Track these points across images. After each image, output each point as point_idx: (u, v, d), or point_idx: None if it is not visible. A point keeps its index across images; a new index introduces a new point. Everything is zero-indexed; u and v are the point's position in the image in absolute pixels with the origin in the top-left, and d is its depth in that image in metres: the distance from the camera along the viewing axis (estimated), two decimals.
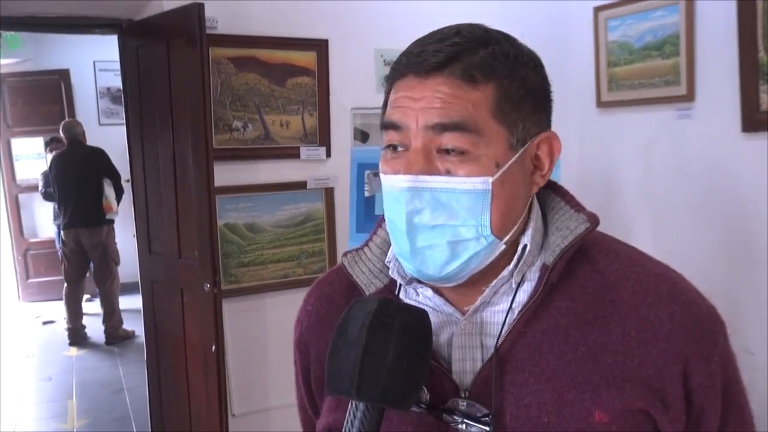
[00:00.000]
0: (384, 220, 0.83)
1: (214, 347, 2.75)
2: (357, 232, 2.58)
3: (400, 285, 0.85)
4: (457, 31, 0.75)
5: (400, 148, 0.76)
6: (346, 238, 2.91)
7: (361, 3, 3.19)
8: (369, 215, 2.58)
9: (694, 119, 2.97)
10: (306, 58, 3.08)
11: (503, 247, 0.76)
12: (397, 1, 3.23)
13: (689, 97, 2.95)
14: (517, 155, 0.75)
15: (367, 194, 2.59)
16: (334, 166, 3.16)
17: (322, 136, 3.15)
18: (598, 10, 3.33)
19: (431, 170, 0.73)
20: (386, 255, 0.86)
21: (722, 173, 2.88)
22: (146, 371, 3.38)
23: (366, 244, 0.90)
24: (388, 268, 0.84)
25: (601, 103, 3.39)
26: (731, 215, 2.87)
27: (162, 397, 3.29)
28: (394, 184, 0.75)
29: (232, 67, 2.94)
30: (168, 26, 2.82)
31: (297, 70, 3.07)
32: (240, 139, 2.98)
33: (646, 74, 3.13)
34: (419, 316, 0.72)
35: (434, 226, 0.74)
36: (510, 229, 0.77)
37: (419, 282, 0.82)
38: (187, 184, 2.83)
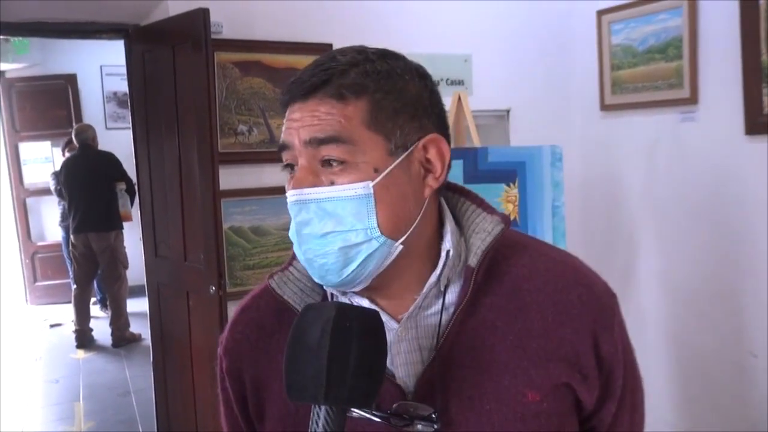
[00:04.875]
0: None
1: None
2: None
3: (333, 297, 0.88)
4: (333, 56, 0.82)
5: (295, 167, 0.81)
6: None
7: (365, 7, 3.20)
8: None
9: (697, 122, 2.97)
10: (310, 62, 3.10)
11: (400, 247, 0.80)
12: (400, 5, 3.24)
13: (693, 100, 2.95)
14: (399, 160, 0.80)
15: None
16: None
17: None
18: (601, 13, 3.34)
19: (317, 183, 0.79)
20: None
21: (726, 176, 2.88)
22: (152, 374, 3.40)
23: (290, 264, 0.91)
24: (320, 284, 0.86)
25: (604, 106, 3.40)
26: (735, 217, 2.87)
27: (168, 399, 3.31)
28: (287, 200, 0.81)
29: (237, 71, 2.96)
30: (174, 31, 2.84)
31: None
32: (245, 142, 3.00)
33: (650, 77, 3.13)
34: (374, 316, 0.75)
35: (323, 234, 0.79)
36: (404, 230, 0.81)
37: (354, 293, 0.85)
38: (192, 187, 2.85)
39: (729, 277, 2.91)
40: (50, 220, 6.83)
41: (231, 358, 0.95)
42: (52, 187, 6.02)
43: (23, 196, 6.81)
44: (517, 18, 3.45)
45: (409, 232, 0.81)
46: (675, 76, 3.01)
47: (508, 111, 3.46)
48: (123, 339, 5.51)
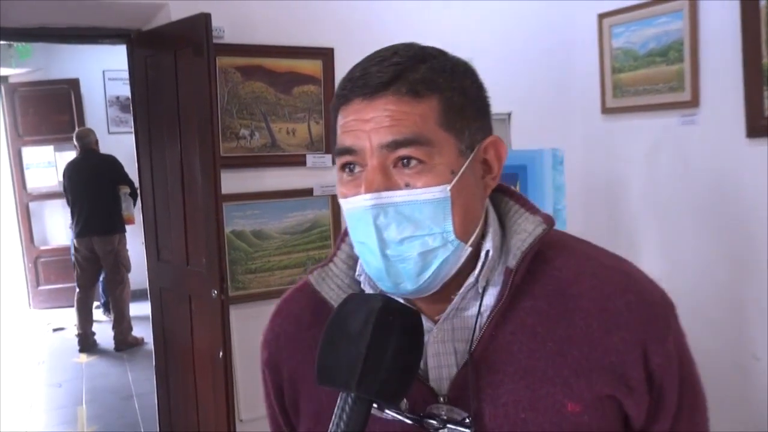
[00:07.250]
0: (346, 235, 0.86)
1: (221, 353, 2.77)
2: None
3: None
4: (395, 51, 0.78)
5: (357, 169, 0.78)
6: None
7: (366, 11, 3.21)
8: None
9: (698, 125, 2.98)
10: (312, 67, 3.11)
11: (469, 249, 0.79)
12: (401, 9, 3.25)
13: (693, 103, 2.96)
14: (468, 160, 0.78)
15: None
16: None
17: (328, 144, 3.17)
18: (602, 16, 3.35)
19: (391, 186, 0.75)
20: (353, 269, 0.88)
21: (727, 179, 2.88)
22: (155, 377, 3.41)
23: (331, 260, 0.90)
24: (358, 282, 0.86)
25: (605, 109, 3.40)
26: (736, 220, 2.87)
27: (171, 403, 3.32)
28: (357, 205, 0.77)
29: (239, 75, 2.97)
30: (176, 36, 2.85)
31: (303, 78, 3.10)
32: (247, 146, 3.01)
33: (651, 80, 3.14)
34: (415, 317, 0.75)
35: (402, 239, 0.76)
36: (472, 232, 0.80)
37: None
38: (194, 191, 2.86)
39: (730, 279, 2.91)
40: (53, 224, 6.84)
41: (269, 350, 0.96)
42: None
43: (26, 200, 6.82)
44: (519, 22, 3.45)
45: (475, 234, 0.80)
46: (676, 79, 3.02)
47: (509, 114, 3.46)
48: (126, 343, 5.52)
